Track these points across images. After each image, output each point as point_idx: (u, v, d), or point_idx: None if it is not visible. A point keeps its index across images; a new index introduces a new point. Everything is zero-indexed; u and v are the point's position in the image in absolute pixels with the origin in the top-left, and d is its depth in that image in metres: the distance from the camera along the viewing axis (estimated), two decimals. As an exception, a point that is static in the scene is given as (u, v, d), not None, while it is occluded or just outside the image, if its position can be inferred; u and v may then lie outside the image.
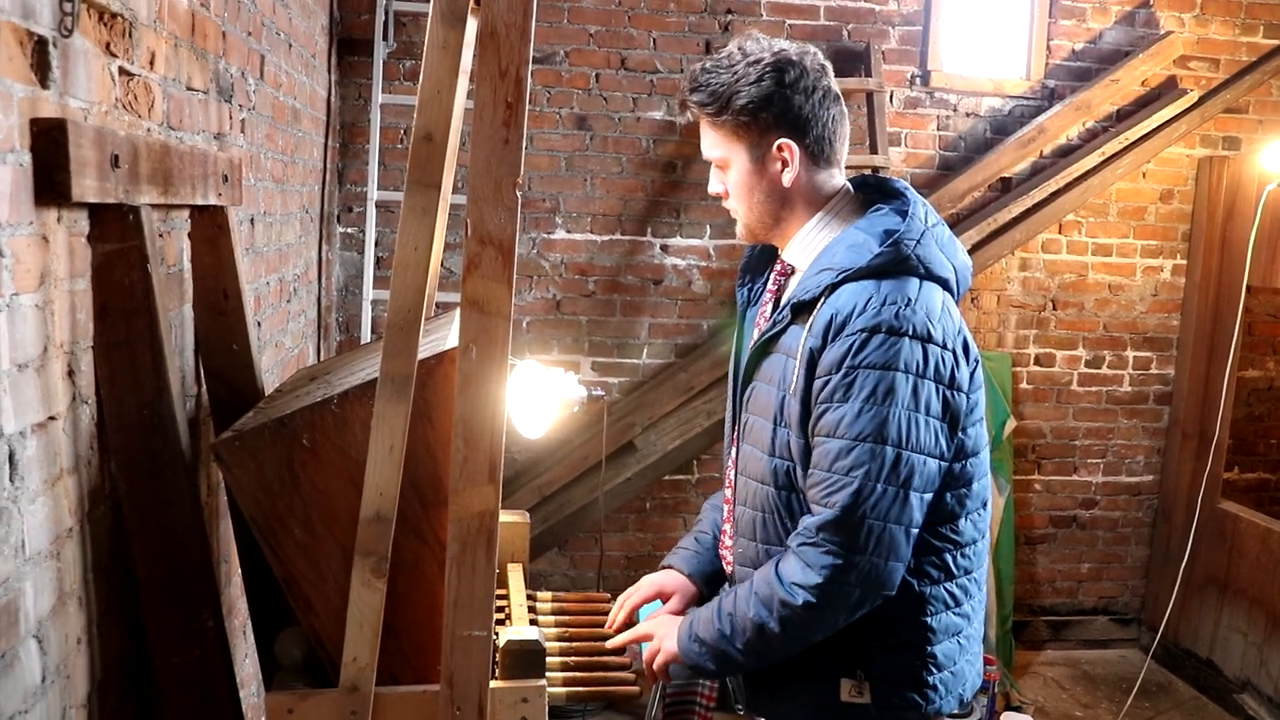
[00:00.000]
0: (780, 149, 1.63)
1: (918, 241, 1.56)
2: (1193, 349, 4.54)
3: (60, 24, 1.26)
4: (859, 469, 1.49)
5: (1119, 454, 4.72)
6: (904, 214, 1.61)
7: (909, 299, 1.52)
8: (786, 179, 1.65)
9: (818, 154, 1.66)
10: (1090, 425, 4.68)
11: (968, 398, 1.59)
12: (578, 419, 3.95)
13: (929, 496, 1.55)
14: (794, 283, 1.71)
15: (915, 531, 1.55)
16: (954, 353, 1.56)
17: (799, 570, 1.53)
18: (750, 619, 1.58)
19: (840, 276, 1.55)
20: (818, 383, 1.55)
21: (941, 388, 1.54)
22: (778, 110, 1.61)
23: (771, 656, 1.62)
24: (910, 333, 1.50)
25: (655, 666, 1.73)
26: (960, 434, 1.59)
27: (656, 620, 1.79)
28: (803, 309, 1.60)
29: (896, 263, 1.55)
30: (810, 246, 1.67)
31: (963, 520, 1.63)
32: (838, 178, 1.71)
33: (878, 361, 1.49)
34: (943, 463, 1.56)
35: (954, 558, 1.63)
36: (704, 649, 1.65)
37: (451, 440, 1.34)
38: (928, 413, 1.52)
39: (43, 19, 1.22)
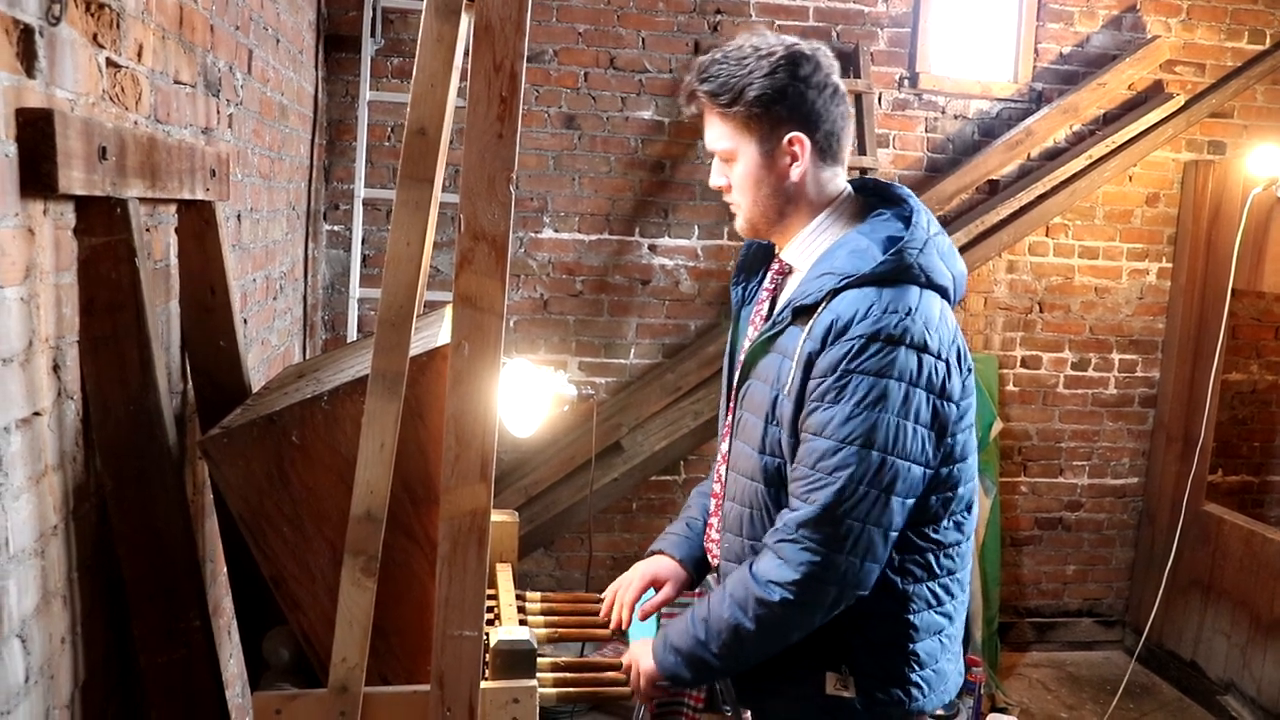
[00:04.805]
0: (791, 142, 1.62)
1: (920, 250, 1.57)
2: (1178, 352, 4.56)
3: (47, 12, 1.24)
4: (843, 470, 1.50)
5: (1104, 456, 4.74)
6: (906, 220, 1.62)
7: (910, 308, 1.52)
8: (795, 173, 1.64)
9: (826, 150, 1.66)
10: (1076, 427, 4.69)
11: (957, 405, 1.60)
12: (564, 419, 3.93)
13: (911, 501, 1.56)
14: (792, 283, 1.71)
15: (894, 535, 1.56)
16: (947, 362, 1.56)
17: (775, 568, 1.54)
18: (726, 621, 1.58)
19: (842, 282, 1.55)
20: (811, 383, 1.55)
21: (932, 396, 1.54)
22: (791, 103, 1.61)
23: (746, 659, 1.62)
24: (908, 341, 1.51)
25: (642, 691, 1.73)
26: (948, 439, 1.60)
27: (632, 646, 1.78)
28: (803, 312, 1.60)
29: (899, 271, 1.55)
30: (811, 248, 1.68)
31: (946, 522, 1.64)
32: (841, 177, 1.71)
33: (872, 368, 1.50)
34: (927, 469, 1.57)
35: (936, 558, 1.64)
36: (679, 658, 1.65)
37: (443, 438, 1.33)
38: (916, 420, 1.53)
39: (29, 7, 1.20)
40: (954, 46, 4.44)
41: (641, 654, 1.72)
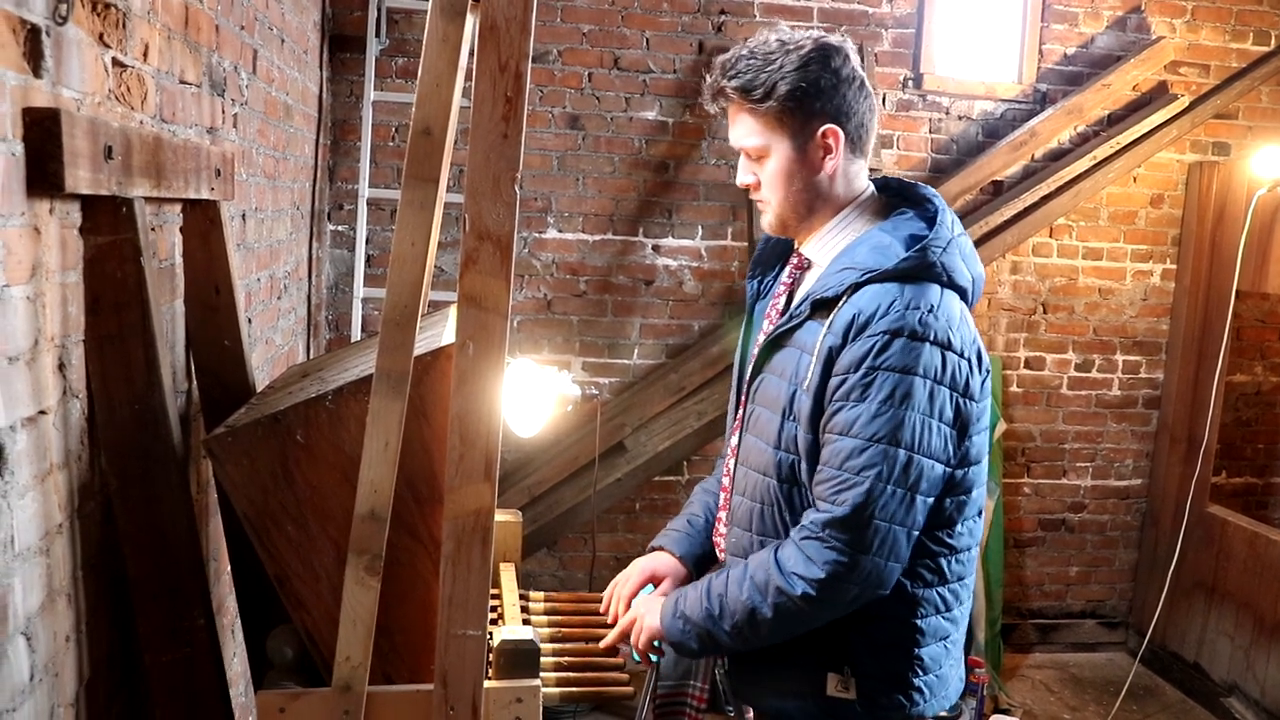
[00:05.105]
0: (825, 135, 1.62)
1: (944, 249, 1.57)
2: (1182, 353, 4.55)
3: (54, 12, 1.24)
4: (871, 469, 1.49)
5: (1108, 458, 4.73)
6: (930, 220, 1.62)
7: (932, 305, 1.52)
8: (828, 166, 1.64)
9: (856, 143, 1.65)
10: (1079, 429, 4.69)
11: (977, 405, 1.60)
12: (568, 419, 3.94)
13: (931, 500, 1.56)
14: (810, 278, 1.71)
15: (916, 534, 1.56)
16: (969, 361, 1.56)
17: (801, 562, 1.53)
18: (743, 602, 1.58)
19: (864, 276, 1.55)
20: (834, 380, 1.54)
21: (955, 395, 1.54)
22: (825, 96, 1.60)
23: (757, 641, 1.62)
24: (932, 338, 1.51)
25: (639, 644, 1.73)
26: (965, 441, 1.60)
27: (638, 601, 1.79)
28: (822, 306, 1.59)
29: (921, 268, 1.55)
30: (832, 243, 1.67)
31: (959, 526, 1.64)
32: (865, 173, 1.71)
33: (898, 365, 1.49)
34: (948, 468, 1.57)
35: (949, 563, 1.64)
36: (689, 626, 1.64)
37: (447, 437, 1.33)
38: (940, 418, 1.53)
39: (36, 7, 1.20)
40: (958, 47, 4.44)
41: (649, 610, 1.73)
